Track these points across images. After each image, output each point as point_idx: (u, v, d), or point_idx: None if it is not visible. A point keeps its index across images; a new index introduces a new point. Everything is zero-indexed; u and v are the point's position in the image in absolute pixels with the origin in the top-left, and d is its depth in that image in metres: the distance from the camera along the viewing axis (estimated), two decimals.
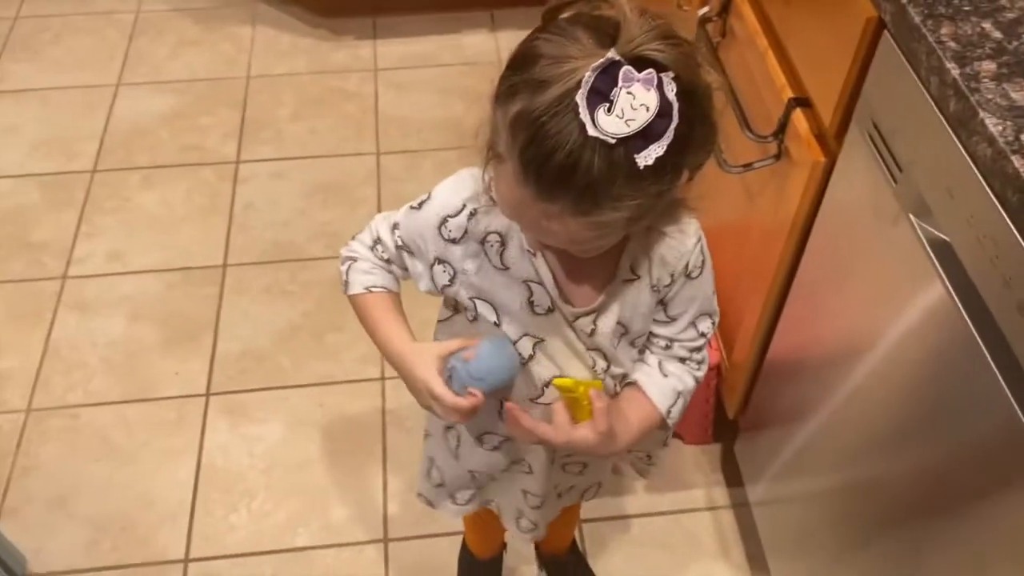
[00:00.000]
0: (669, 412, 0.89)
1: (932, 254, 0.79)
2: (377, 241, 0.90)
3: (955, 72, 0.73)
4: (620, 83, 0.60)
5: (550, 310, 0.83)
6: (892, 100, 0.85)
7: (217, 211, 1.97)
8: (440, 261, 0.84)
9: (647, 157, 0.62)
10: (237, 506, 1.51)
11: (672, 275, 0.83)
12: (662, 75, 0.61)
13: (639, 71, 0.61)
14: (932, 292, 0.80)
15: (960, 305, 0.76)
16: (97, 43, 2.36)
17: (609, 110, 0.60)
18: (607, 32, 0.63)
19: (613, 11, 0.64)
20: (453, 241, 0.82)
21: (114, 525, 1.49)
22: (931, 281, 0.80)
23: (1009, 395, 0.70)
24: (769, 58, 1.16)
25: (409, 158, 2.07)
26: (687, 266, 0.83)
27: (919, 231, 0.82)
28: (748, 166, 1.18)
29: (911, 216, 0.83)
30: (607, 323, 0.83)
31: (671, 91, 0.62)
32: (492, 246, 0.81)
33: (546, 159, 0.62)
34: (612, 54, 0.61)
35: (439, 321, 0.97)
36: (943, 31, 0.76)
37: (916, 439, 0.89)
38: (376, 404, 1.65)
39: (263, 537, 1.48)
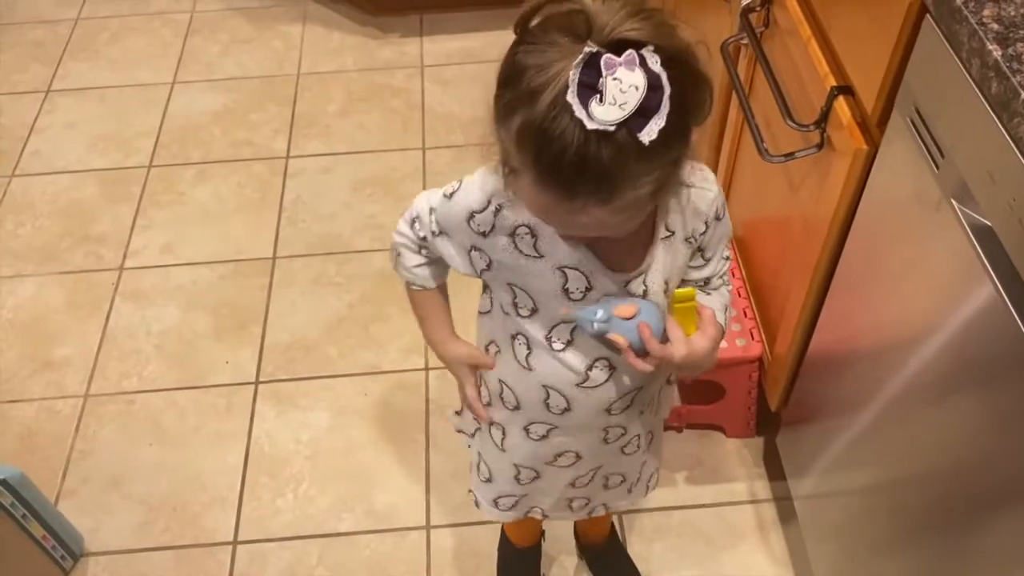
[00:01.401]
0: (725, 322, 0.94)
1: (975, 240, 0.79)
2: (416, 219, 0.92)
3: (997, 54, 0.72)
4: (604, 72, 0.62)
5: (588, 290, 0.84)
6: (934, 84, 0.84)
7: (267, 205, 2.01)
8: (475, 248, 0.87)
9: (650, 133, 0.63)
10: (283, 491, 1.55)
11: (706, 222, 0.87)
12: (642, 51, 0.62)
13: (618, 54, 0.62)
14: (975, 278, 0.79)
15: (1003, 291, 0.75)
16: (152, 42, 2.43)
17: (601, 100, 0.62)
18: (579, 27, 0.64)
19: (577, 4, 0.65)
20: (483, 234, 0.84)
21: (166, 507, 1.54)
22: (974, 268, 0.79)
23: None
24: (812, 47, 1.16)
25: (454, 153, 2.10)
26: (716, 210, 0.87)
27: (961, 217, 0.81)
28: (790, 155, 1.17)
29: (953, 201, 0.82)
30: (655, 282, 0.85)
31: (655, 63, 0.63)
32: (523, 238, 0.83)
33: (557, 162, 0.64)
34: (589, 47, 0.62)
35: (480, 313, 0.99)
36: (985, 13, 0.75)
37: (964, 433, 0.88)
38: (420, 393, 1.68)
39: (308, 521, 1.51)
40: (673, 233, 0.85)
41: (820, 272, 1.20)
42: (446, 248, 0.90)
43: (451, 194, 0.87)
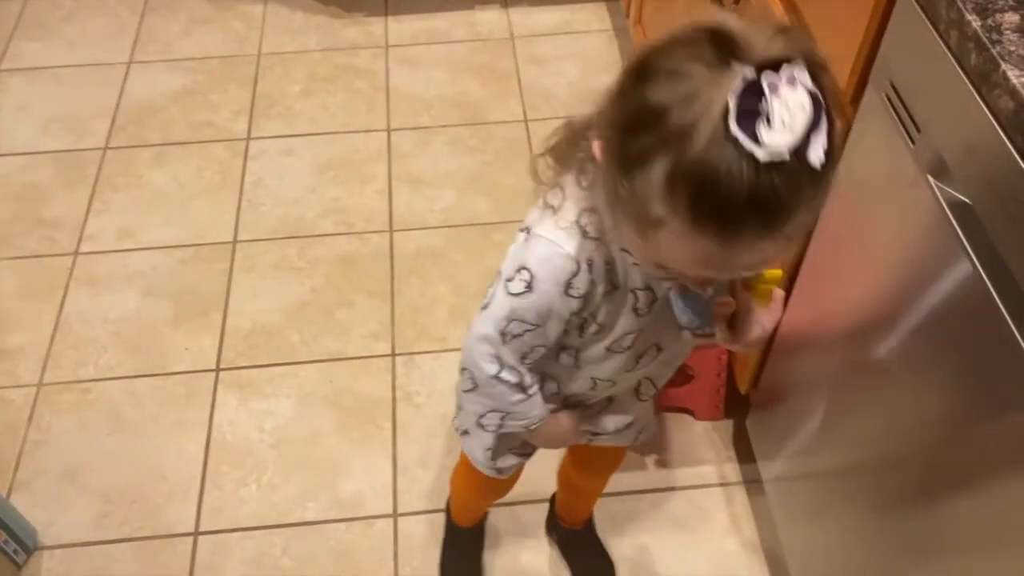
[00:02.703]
0: None
1: (951, 214, 0.77)
2: (504, 333, 0.84)
3: (976, 24, 0.71)
4: (767, 92, 0.56)
5: (652, 302, 0.83)
6: (910, 58, 0.83)
7: (227, 188, 1.96)
8: (575, 312, 0.82)
9: (818, 153, 0.57)
10: (247, 480, 1.51)
11: None
12: (793, 68, 0.57)
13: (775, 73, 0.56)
14: (951, 254, 0.78)
15: (980, 267, 0.74)
16: (109, 21, 2.35)
17: (769, 124, 0.55)
18: (715, 50, 0.58)
19: (717, 24, 0.59)
20: (580, 297, 0.80)
21: (124, 498, 1.49)
22: (950, 242, 0.78)
23: None
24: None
25: (420, 135, 2.06)
26: None
27: (937, 192, 0.80)
28: None
29: (929, 177, 0.81)
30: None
31: (807, 79, 0.57)
32: (603, 275, 0.80)
33: (726, 204, 0.57)
34: (745, 70, 0.56)
35: None
36: None
37: (938, 410, 0.87)
38: (386, 380, 1.65)
39: (273, 511, 1.48)
40: None
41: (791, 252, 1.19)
42: (543, 337, 0.85)
43: (526, 288, 0.79)
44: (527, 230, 0.80)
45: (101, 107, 2.13)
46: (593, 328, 0.85)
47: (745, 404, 1.47)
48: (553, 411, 0.97)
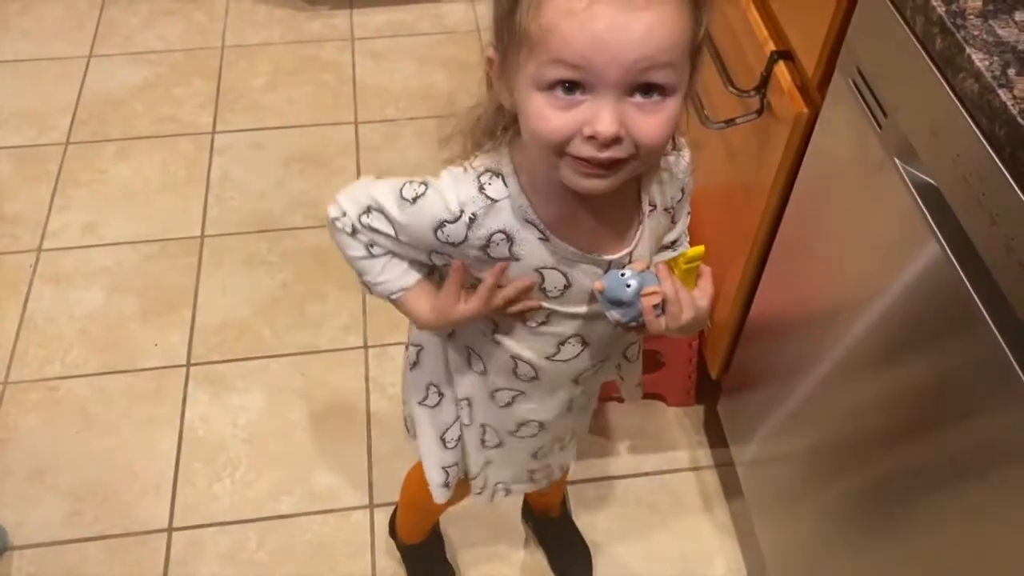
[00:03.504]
0: None
1: (918, 197, 0.80)
2: (372, 209, 0.82)
3: (941, 10, 0.73)
4: None
5: (566, 287, 0.82)
6: (877, 44, 0.85)
7: (193, 182, 1.94)
8: (437, 252, 0.81)
9: None
10: (220, 475, 1.50)
11: (682, 189, 0.85)
12: None
13: None
14: (920, 236, 0.80)
15: (948, 249, 0.76)
16: (67, 13, 2.31)
17: None
18: None
19: None
20: (452, 244, 0.79)
21: (95, 496, 1.48)
22: (918, 225, 0.80)
23: (999, 338, 0.70)
24: (751, 12, 1.16)
25: (388, 127, 2.05)
26: (689, 175, 0.86)
27: (905, 175, 0.82)
28: (730, 122, 1.17)
29: (896, 160, 0.83)
30: (643, 258, 0.83)
31: None
32: (497, 245, 0.78)
33: None
34: None
35: None
36: None
37: (907, 389, 0.89)
38: (359, 372, 1.65)
39: (247, 505, 1.47)
40: (655, 207, 0.83)
41: (760, 237, 1.21)
42: (399, 248, 0.84)
43: (414, 198, 0.78)
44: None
45: (61, 101, 2.09)
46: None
47: (715, 389, 1.50)
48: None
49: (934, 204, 0.78)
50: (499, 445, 1.03)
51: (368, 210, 0.83)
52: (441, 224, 0.77)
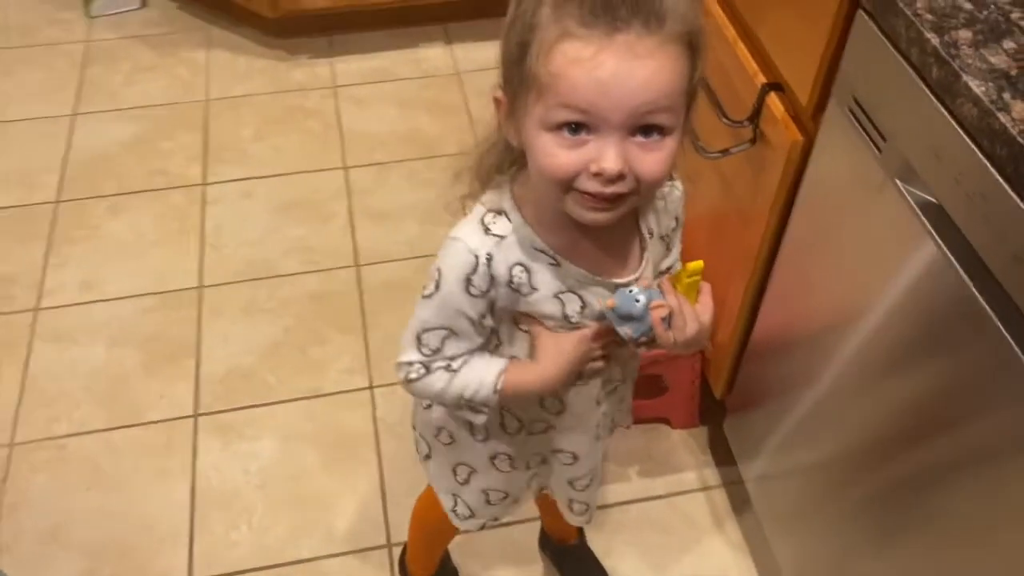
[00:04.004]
0: None
1: (922, 216, 0.85)
2: (419, 342, 0.86)
3: (935, 41, 0.79)
4: None
5: (583, 308, 0.85)
6: (872, 74, 0.91)
7: (188, 234, 1.96)
8: (482, 317, 0.84)
9: None
10: (237, 523, 1.51)
11: (676, 218, 0.91)
12: None
13: None
14: (925, 253, 0.86)
15: (956, 262, 0.81)
16: (48, 75, 2.33)
17: None
18: None
19: None
20: (484, 293, 0.82)
21: (111, 553, 1.47)
22: (923, 242, 0.86)
23: (1010, 340, 0.75)
24: (739, 47, 1.22)
25: (377, 171, 2.09)
26: (682, 206, 0.91)
27: (907, 195, 0.87)
28: (725, 151, 1.23)
29: (897, 181, 0.88)
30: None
31: None
32: (519, 277, 0.82)
33: None
34: None
35: None
36: (918, 4, 0.82)
37: (918, 401, 0.94)
38: (367, 412, 1.66)
39: (267, 552, 1.47)
40: (652, 234, 0.88)
41: (761, 259, 1.26)
42: (464, 340, 0.86)
43: (435, 288, 0.82)
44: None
45: (49, 161, 2.10)
46: (527, 323, 0.86)
47: (718, 409, 1.54)
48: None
49: (938, 221, 0.84)
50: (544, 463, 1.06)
51: (419, 337, 0.86)
52: (468, 280, 0.81)
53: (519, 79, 0.73)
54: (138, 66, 2.36)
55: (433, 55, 2.41)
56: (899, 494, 1.02)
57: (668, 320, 0.81)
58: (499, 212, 0.82)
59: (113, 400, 1.67)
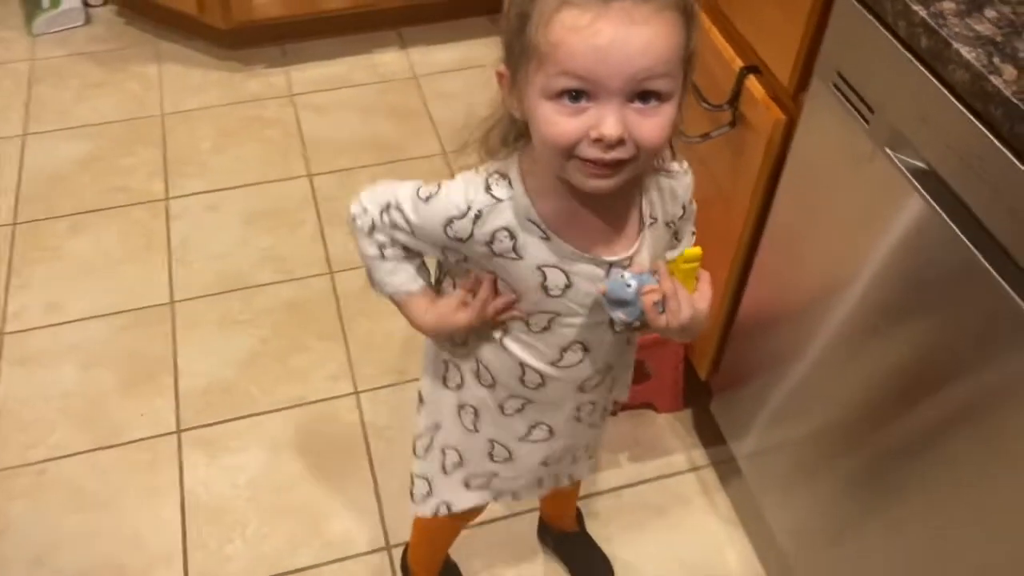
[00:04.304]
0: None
1: (915, 181, 0.89)
2: (390, 206, 0.89)
3: (922, 13, 0.83)
4: None
5: (567, 287, 0.87)
6: (857, 49, 0.95)
7: (154, 249, 1.92)
8: (448, 249, 0.88)
9: None
10: (231, 536, 1.49)
11: (683, 206, 0.92)
12: None
13: None
14: (918, 216, 0.90)
15: (951, 222, 0.85)
16: None
17: None
18: None
19: None
20: (459, 240, 0.85)
21: (103, 574, 1.44)
22: (916, 206, 0.90)
23: (1015, 296, 0.79)
24: (714, 34, 1.26)
25: (342, 176, 2.09)
26: (691, 194, 0.93)
27: (898, 163, 0.91)
28: (706, 136, 1.26)
29: (888, 150, 0.92)
30: (644, 266, 0.88)
31: None
32: (501, 242, 0.84)
33: None
34: None
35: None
36: None
37: (913, 360, 0.97)
38: (354, 417, 1.66)
39: (264, 563, 1.46)
40: (656, 220, 0.89)
41: (745, 240, 1.30)
42: (419, 245, 0.90)
43: (428, 198, 0.86)
44: None
45: (2, 183, 2.04)
46: (503, 289, 0.89)
47: (701, 391, 1.57)
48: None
49: (930, 184, 0.88)
50: (508, 459, 1.07)
51: (388, 207, 0.89)
52: (450, 220, 0.84)
53: (520, 50, 0.75)
54: (87, 83, 2.31)
55: (389, 60, 2.41)
56: (895, 454, 1.06)
57: (662, 304, 0.83)
58: (503, 176, 0.84)
59: (91, 421, 1.63)
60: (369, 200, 0.91)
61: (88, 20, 2.48)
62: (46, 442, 1.60)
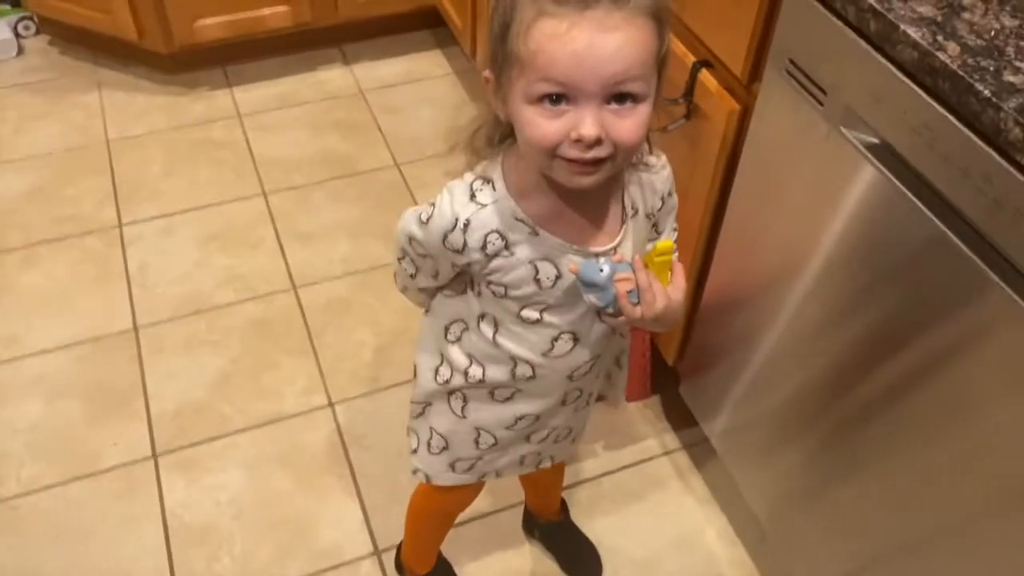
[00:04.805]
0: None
1: (869, 154, 0.95)
2: (412, 239, 0.95)
3: None
4: None
5: (557, 278, 0.91)
6: (807, 36, 1.01)
7: (111, 277, 1.91)
8: (454, 263, 0.93)
9: None
10: (218, 555, 1.48)
11: (662, 198, 0.97)
12: None
13: None
14: (875, 188, 0.96)
15: (907, 191, 0.92)
16: None
17: None
18: None
19: None
20: (456, 251, 0.90)
21: None
22: (871, 177, 0.96)
23: (970, 254, 0.85)
24: None
25: (297, 194, 2.09)
26: (670, 187, 0.97)
27: (853, 140, 0.98)
28: (663, 130, 1.32)
29: (842, 128, 0.99)
30: (627, 256, 0.93)
31: None
32: (494, 244, 0.88)
33: None
34: None
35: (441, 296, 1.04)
36: None
37: (878, 323, 1.04)
38: (331, 429, 1.67)
39: None
40: (637, 211, 0.93)
41: (705, 226, 1.36)
42: (431, 265, 0.97)
43: (428, 219, 0.90)
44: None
45: None
46: (497, 289, 0.93)
47: (668, 378, 1.63)
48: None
49: (885, 157, 0.95)
50: (494, 445, 1.10)
51: (410, 241, 0.95)
52: (445, 235, 0.89)
53: (503, 57, 0.80)
54: (26, 114, 2.27)
55: (334, 76, 2.43)
56: (861, 419, 1.12)
57: (637, 296, 0.87)
58: (487, 180, 0.88)
59: (62, 454, 1.61)
60: (398, 251, 1.00)
61: (21, 51, 2.44)
62: (17, 477, 1.57)
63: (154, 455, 1.62)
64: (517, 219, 0.87)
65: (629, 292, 0.86)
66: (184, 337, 1.80)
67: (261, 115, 2.31)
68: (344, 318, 1.85)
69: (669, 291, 0.89)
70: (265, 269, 1.94)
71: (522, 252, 0.89)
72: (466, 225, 0.87)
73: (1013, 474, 0.90)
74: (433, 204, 0.90)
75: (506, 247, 0.88)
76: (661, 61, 0.81)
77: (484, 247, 0.88)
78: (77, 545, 1.49)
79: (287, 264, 1.95)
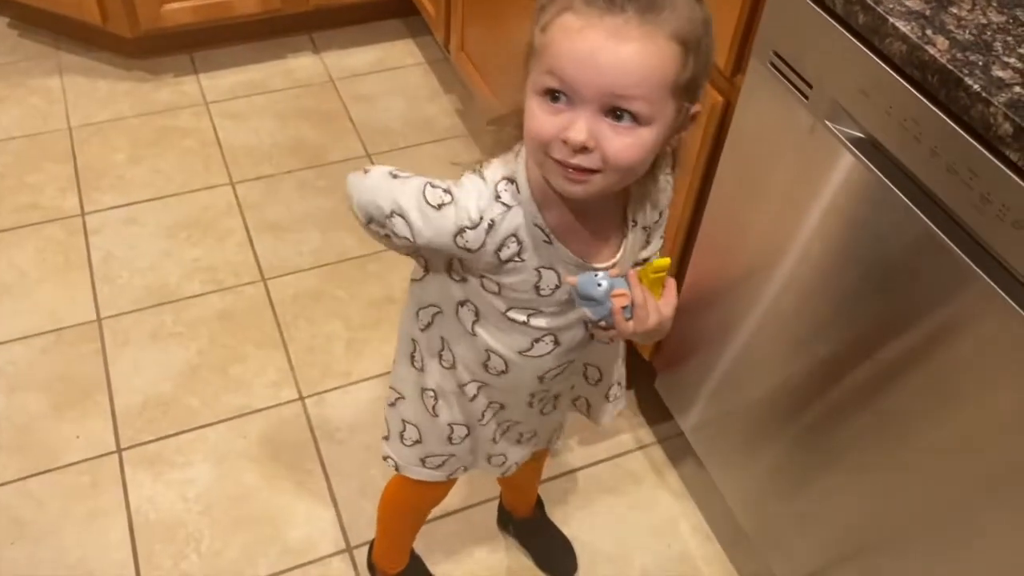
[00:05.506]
0: None
1: (854, 148, 0.95)
2: (400, 213, 0.85)
3: None
4: None
5: (556, 287, 0.89)
6: (793, 29, 1.01)
7: (74, 267, 1.85)
8: (454, 258, 0.88)
9: None
10: (185, 552, 1.45)
11: (660, 213, 0.95)
12: None
13: None
14: (857, 180, 0.96)
15: (892, 185, 0.91)
16: None
17: None
18: None
19: None
20: (469, 250, 0.85)
21: None
22: (855, 171, 0.96)
23: (953, 247, 0.86)
24: None
25: (266, 183, 2.05)
26: (668, 202, 0.95)
27: (837, 134, 0.97)
28: None
29: (827, 122, 0.99)
30: (624, 269, 0.91)
31: None
32: (509, 247, 0.85)
33: None
34: None
35: (414, 280, 0.99)
36: None
37: (857, 314, 1.04)
38: (301, 423, 1.64)
39: (223, 575, 1.43)
40: (636, 223, 0.91)
41: (685, 220, 1.35)
42: (410, 252, 0.91)
43: (440, 206, 0.83)
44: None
45: None
46: (491, 286, 0.90)
47: (641, 374, 1.62)
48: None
49: (869, 151, 0.94)
50: (467, 436, 1.08)
51: (392, 215, 0.86)
52: (461, 231, 0.83)
53: (531, 42, 0.77)
54: None
55: (304, 64, 2.39)
56: (837, 412, 1.12)
57: (630, 310, 0.86)
58: (511, 181, 0.84)
59: (21, 448, 1.56)
60: (370, 203, 0.87)
61: None
62: None
63: (119, 449, 1.57)
64: (535, 225, 0.85)
65: (624, 308, 0.85)
66: (150, 329, 1.76)
67: (229, 103, 2.26)
68: (314, 310, 1.82)
69: (660, 306, 0.88)
70: (233, 261, 1.90)
71: (531, 260, 0.87)
72: (491, 225, 0.83)
73: (990, 467, 0.91)
74: (448, 191, 0.84)
75: (519, 253, 0.86)
76: (682, 90, 0.75)
77: (500, 250, 0.85)
78: (37, 542, 1.44)
79: (256, 255, 1.91)
